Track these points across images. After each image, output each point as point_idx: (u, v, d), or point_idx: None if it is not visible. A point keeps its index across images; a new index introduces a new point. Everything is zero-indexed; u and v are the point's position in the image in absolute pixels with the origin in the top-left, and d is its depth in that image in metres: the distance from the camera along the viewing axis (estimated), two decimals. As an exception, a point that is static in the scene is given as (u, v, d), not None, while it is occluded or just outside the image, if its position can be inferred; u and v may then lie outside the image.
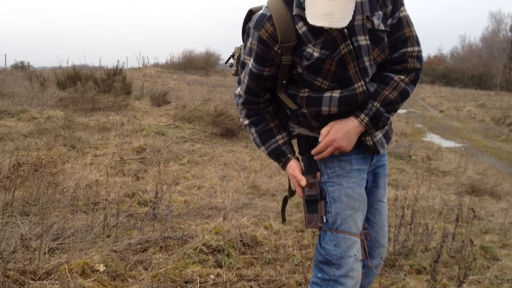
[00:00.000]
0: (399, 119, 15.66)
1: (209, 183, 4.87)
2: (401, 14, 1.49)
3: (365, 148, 1.55)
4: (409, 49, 1.50)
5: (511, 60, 39.48)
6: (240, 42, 1.67)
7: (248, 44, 1.49)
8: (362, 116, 1.48)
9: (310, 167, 1.55)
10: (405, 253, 3.02)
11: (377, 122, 1.50)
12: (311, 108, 1.50)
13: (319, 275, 1.54)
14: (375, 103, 1.48)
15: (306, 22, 1.39)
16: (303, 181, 1.54)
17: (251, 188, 4.78)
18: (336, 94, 1.46)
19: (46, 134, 6.40)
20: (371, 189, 1.63)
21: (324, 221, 1.52)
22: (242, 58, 1.55)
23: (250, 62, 1.50)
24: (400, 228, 3.12)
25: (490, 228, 4.07)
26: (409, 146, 9.35)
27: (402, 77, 1.50)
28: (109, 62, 50.31)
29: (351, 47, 1.42)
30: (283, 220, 1.72)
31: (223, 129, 7.88)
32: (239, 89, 1.58)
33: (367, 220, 1.62)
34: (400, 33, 1.49)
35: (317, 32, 1.40)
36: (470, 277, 2.70)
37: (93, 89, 11.21)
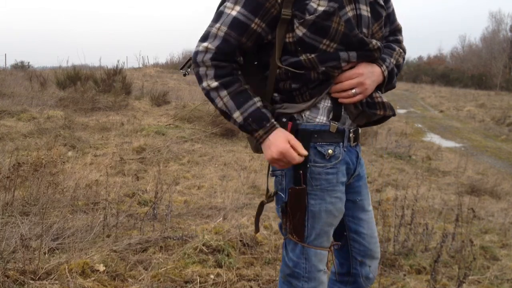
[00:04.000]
0: (399, 119, 15.64)
1: (209, 183, 4.87)
2: (392, 6, 1.55)
3: (380, 109, 1.43)
4: (400, 37, 1.58)
5: (511, 60, 39.48)
6: None
7: None
8: (384, 67, 1.43)
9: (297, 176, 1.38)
10: (405, 253, 3.02)
11: (391, 79, 1.47)
12: (328, 63, 1.32)
13: None
14: (392, 60, 1.47)
15: None
16: (304, 151, 1.33)
17: (251, 188, 4.78)
18: (352, 51, 1.34)
19: (46, 134, 6.40)
20: (357, 203, 1.54)
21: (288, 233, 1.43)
22: (219, 9, 1.33)
23: (235, 10, 1.29)
24: (400, 228, 3.12)
25: (490, 228, 4.07)
26: (409, 146, 9.35)
27: (401, 50, 1.54)
28: (109, 62, 50.37)
29: (355, 13, 1.34)
30: (256, 230, 1.52)
31: (223, 129, 7.88)
32: (206, 43, 1.30)
33: (357, 233, 1.56)
34: (395, 24, 1.58)
35: None
36: (470, 277, 2.70)
37: (93, 89, 11.21)
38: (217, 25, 1.31)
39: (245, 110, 1.31)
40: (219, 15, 1.32)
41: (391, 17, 1.53)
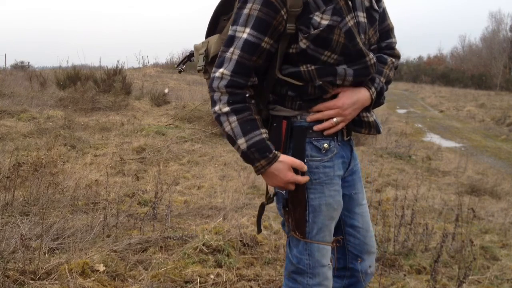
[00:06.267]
0: (399, 119, 15.66)
1: (209, 183, 4.87)
2: (384, 5, 1.54)
3: (365, 128, 1.50)
4: (393, 39, 1.58)
5: (511, 60, 39.49)
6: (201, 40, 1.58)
7: (245, 11, 1.33)
8: (373, 89, 1.46)
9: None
10: (405, 253, 3.02)
11: (379, 98, 1.50)
12: (325, 78, 1.38)
13: (291, 284, 1.50)
14: (381, 78, 1.49)
15: None
16: (305, 167, 1.39)
17: (251, 188, 4.78)
18: (349, 68, 1.39)
19: (46, 134, 6.40)
20: (352, 196, 1.56)
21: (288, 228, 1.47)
22: (230, 33, 1.36)
23: (246, 32, 1.33)
24: (400, 228, 3.12)
25: (490, 228, 4.07)
26: (409, 146, 9.35)
27: (393, 60, 1.56)
28: (109, 62, 50.41)
29: (355, 21, 1.38)
30: (259, 230, 1.57)
31: (223, 129, 7.87)
32: (222, 69, 1.35)
33: (353, 227, 1.58)
34: (386, 24, 1.57)
35: None
36: (470, 277, 2.70)
37: (93, 89, 11.21)
38: (231, 49, 1.35)
39: (250, 138, 1.35)
40: (231, 39, 1.35)
41: (381, 17, 1.53)
